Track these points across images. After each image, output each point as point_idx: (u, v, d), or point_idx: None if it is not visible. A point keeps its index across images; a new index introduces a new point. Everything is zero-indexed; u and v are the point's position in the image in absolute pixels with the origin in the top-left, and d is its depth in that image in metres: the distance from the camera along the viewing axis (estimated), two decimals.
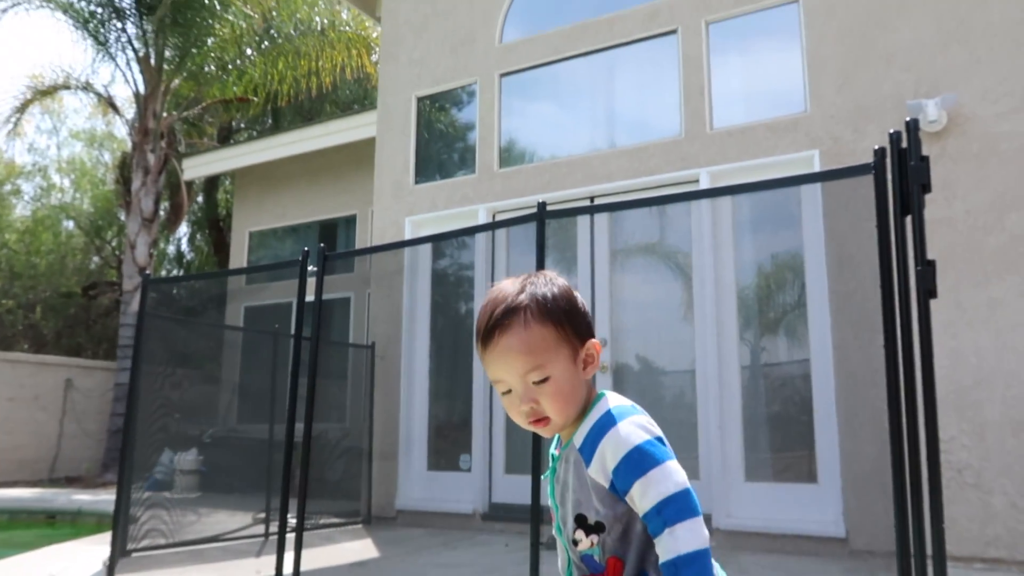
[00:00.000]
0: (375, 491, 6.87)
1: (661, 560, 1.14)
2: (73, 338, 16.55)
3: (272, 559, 3.54)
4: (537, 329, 1.26)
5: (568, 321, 1.28)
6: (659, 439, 1.24)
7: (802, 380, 5.43)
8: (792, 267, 5.65)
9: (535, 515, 3.02)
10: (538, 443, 3.18)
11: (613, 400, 1.30)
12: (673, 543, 1.13)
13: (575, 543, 1.26)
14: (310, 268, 3.86)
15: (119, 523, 4.46)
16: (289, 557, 3.48)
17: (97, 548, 5.22)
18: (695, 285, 5.93)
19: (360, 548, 5.50)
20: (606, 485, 1.22)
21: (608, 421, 1.25)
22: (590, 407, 1.29)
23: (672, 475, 1.18)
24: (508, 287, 1.32)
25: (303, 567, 3.51)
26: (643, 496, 1.17)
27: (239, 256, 11.60)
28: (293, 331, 4.82)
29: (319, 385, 3.90)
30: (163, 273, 18.23)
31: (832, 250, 5.17)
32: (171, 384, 5.58)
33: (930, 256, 2.40)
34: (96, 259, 18.29)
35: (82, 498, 8.67)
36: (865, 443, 4.79)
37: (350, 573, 4.61)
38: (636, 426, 1.23)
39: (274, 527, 5.96)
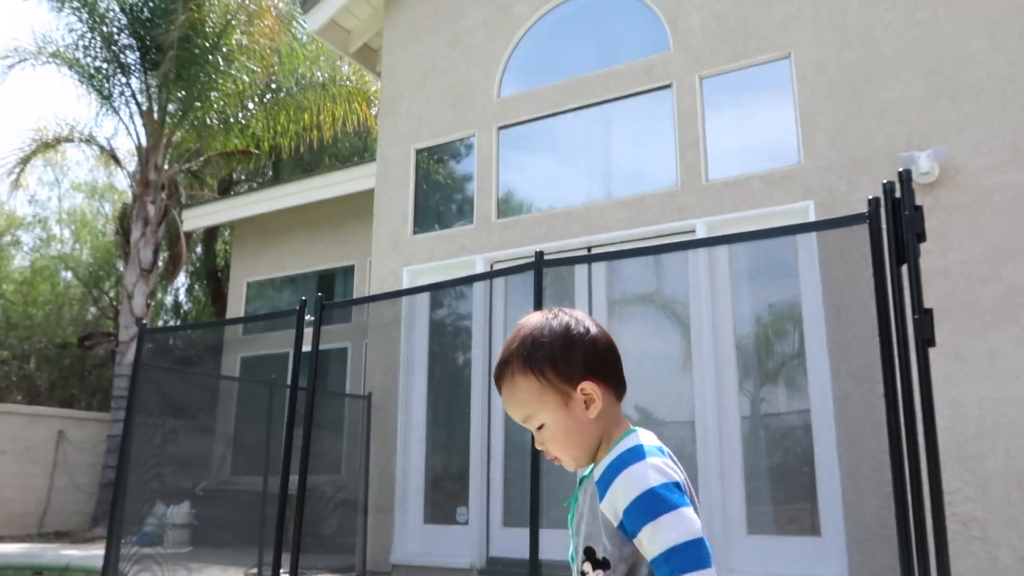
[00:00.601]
0: (370, 544, 6.73)
1: None
2: (67, 389, 16.42)
3: None
4: (521, 381, 1.29)
5: (553, 368, 1.28)
6: (676, 484, 1.19)
7: (803, 431, 5.37)
8: (790, 317, 5.65)
9: (534, 570, 2.95)
10: (536, 496, 3.13)
11: (639, 439, 1.26)
12: None
13: (583, 574, 1.24)
14: (307, 318, 3.85)
15: None
16: None
17: None
18: (693, 335, 5.92)
19: None
20: (615, 524, 1.19)
21: (627, 459, 1.22)
22: (617, 441, 1.27)
23: (683, 523, 1.15)
24: (515, 332, 1.35)
25: None
26: (652, 542, 1.14)
27: (236, 306, 11.59)
28: (289, 381, 4.79)
29: (314, 436, 3.85)
30: (160, 324, 18.19)
31: (829, 300, 5.18)
32: (165, 435, 5.52)
33: (927, 305, 2.40)
34: (93, 310, 18.27)
35: (71, 553, 8.47)
36: (868, 495, 4.72)
37: None
38: (653, 468, 1.20)
39: None
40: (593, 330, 1.32)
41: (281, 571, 3.59)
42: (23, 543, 9.62)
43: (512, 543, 6.05)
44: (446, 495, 6.86)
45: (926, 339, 2.24)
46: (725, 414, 5.55)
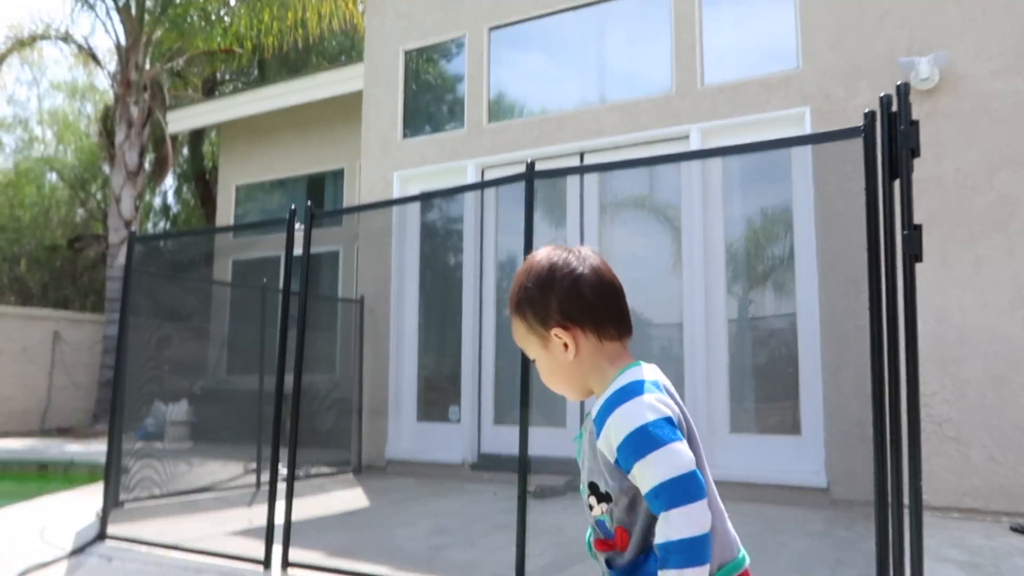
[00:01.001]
0: (365, 442, 6.93)
1: (655, 543, 1.14)
2: (60, 291, 16.43)
3: (264, 508, 3.58)
4: (514, 320, 1.35)
5: (532, 311, 1.31)
6: (667, 420, 1.18)
7: (788, 334, 5.48)
8: (782, 222, 5.66)
9: (523, 465, 3.05)
10: (527, 395, 3.21)
11: (636, 374, 1.26)
12: (667, 528, 1.13)
13: (590, 507, 1.28)
14: (297, 226, 3.82)
15: (111, 474, 4.48)
16: (281, 506, 3.52)
17: (90, 499, 5.26)
18: (684, 239, 5.94)
19: (351, 497, 5.57)
20: (612, 460, 1.21)
21: (619, 398, 1.23)
22: (614, 378, 1.27)
23: (673, 458, 1.15)
24: (520, 268, 1.38)
25: (295, 516, 3.55)
26: (643, 478, 1.16)
27: (226, 210, 11.49)
28: (281, 287, 4.80)
29: (308, 338, 3.89)
30: (149, 226, 18.05)
31: (821, 209, 5.17)
32: (160, 338, 5.56)
33: (919, 214, 2.41)
34: (81, 212, 18.07)
35: (74, 449, 8.70)
36: (848, 397, 4.86)
37: (341, 522, 4.67)
38: (645, 405, 1.19)
39: (265, 477, 6.01)
40: (579, 271, 1.30)
41: (280, 466, 3.71)
42: (26, 439, 9.85)
43: (502, 440, 6.25)
44: (438, 395, 7.02)
45: (914, 255, 2.25)
46: (713, 317, 5.64)
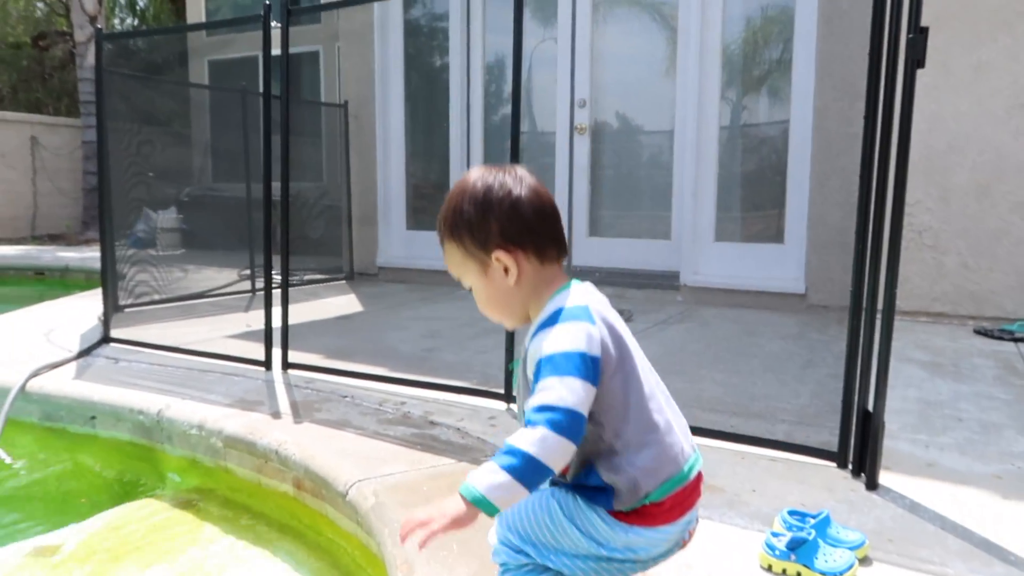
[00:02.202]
0: (356, 249, 7.04)
1: (528, 419, 1.14)
2: (30, 93, 15.82)
3: (261, 313, 3.70)
4: (447, 246, 1.30)
5: (470, 235, 1.25)
6: (593, 360, 1.15)
7: (779, 141, 5.43)
8: (781, 22, 5.40)
9: None
10: None
11: (572, 298, 1.23)
12: (527, 434, 1.12)
13: None
14: (273, 24, 3.62)
15: (108, 280, 4.57)
16: (277, 311, 3.63)
17: (89, 304, 5.40)
18: (680, 40, 5.70)
19: (345, 303, 5.75)
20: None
21: (547, 323, 1.21)
22: (547, 301, 1.25)
23: (562, 390, 1.13)
24: (452, 191, 1.31)
25: (291, 320, 3.68)
26: (534, 397, 1.15)
27: (196, 4, 10.80)
28: (261, 90, 4.62)
29: (293, 144, 3.83)
30: (115, 22, 17.04)
31: (825, 8, 4.93)
32: (140, 143, 5.45)
33: (925, 15, 2.30)
34: (41, 5, 16.97)
35: (68, 255, 8.81)
36: (833, 205, 4.91)
37: (337, 326, 4.86)
38: (567, 333, 1.17)
39: (260, 283, 6.17)
40: (517, 192, 1.25)
41: (273, 273, 3.78)
42: (19, 245, 9.93)
43: None
44: (428, 202, 7.03)
45: (916, 60, 2.17)
46: (705, 123, 5.54)
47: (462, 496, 1.13)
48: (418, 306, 5.50)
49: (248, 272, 6.41)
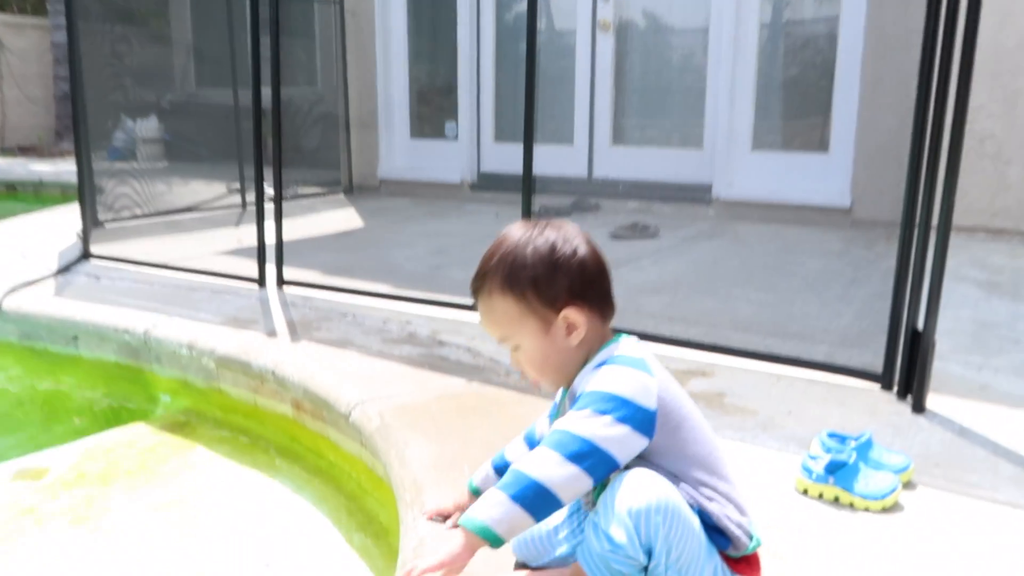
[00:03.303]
0: (355, 160, 6.99)
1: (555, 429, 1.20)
2: None
3: (253, 228, 3.69)
4: (499, 302, 1.30)
5: (535, 291, 1.28)
6: (644, 412, 1.19)
7: (827, 41, 5.27)
8: None
9: (527, 184, 3.09)
10: (531, 109, 3.16)
11: (621, 348, 1.29)
12: (549, 457, 1.16)
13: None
14: None
15: (85, 193, 4.56)
16: (270, 226, 3.63)
17: (67, 219, 5.41)
18: None
19: (343, 218, 5.74)
20: None
21: (605, 362, 1.26)
22: (599, 350, 1.30)
23: (605, 431, 1.17)
24: (497, 243, 1.33)
25: (286, 237, 3.67)
26: (567, 419, 1.20)
27: None
28: None
29: (284, 45, 3.75)
30: None
31: None
32: (115, 43, 5.36)
33: None
34: None
35: (41, 168, 8.80)
36: (886, 111, 4.79)
37: (335, 242, 4.86)
38: (630, 379, 1.21)
39: (251, 198, 6.14)
40: (581, 251, 1.30)
41: (265, 186, 3.76)
42: None
43: (504, 158, 6.29)
44: (433, 109, 6.94)
45: None
46: (743, 20, 5.39)
47: (463, 527, 1.17)
48: (424, 221, 5.49)
49: (238, 186, 6.39)
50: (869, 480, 1.73)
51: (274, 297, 3.48)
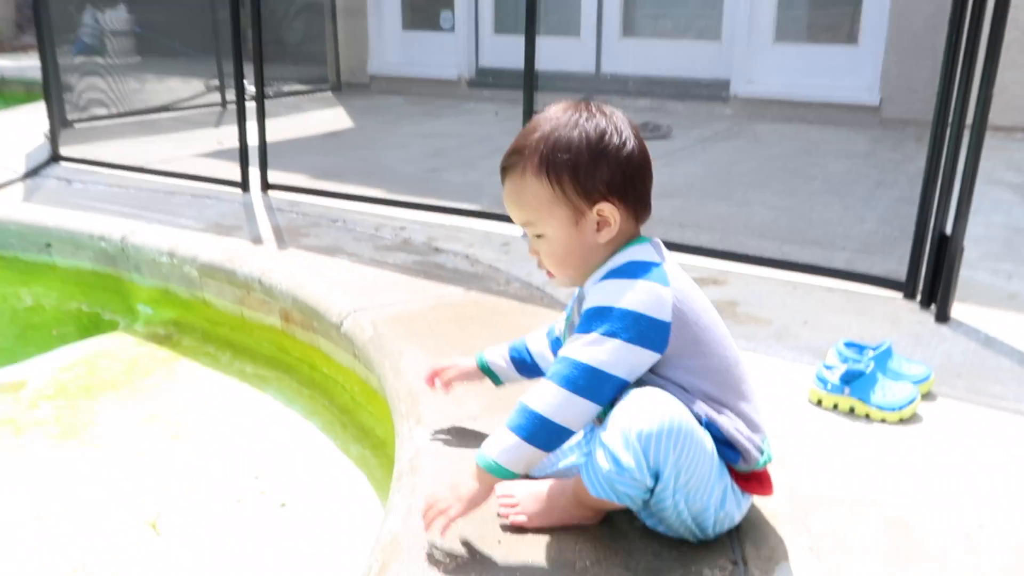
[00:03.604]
0: (343, 55, 6.86)
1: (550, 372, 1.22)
2: None
3: (234, 129, 3.65)
4: (531, 183, 1.25)
5: (573, 179, 1.23)
6: (656, 325, 1.19)
7: None
8: None
9: (529, 80, 3.04)
10: None
11: (642, 253, 1.26)
12: (546, 390, 1.19)
13: None
14: None
15: (52, 91, 4.49)
16: (252, 127, 3.58)
17: (33, 119, 5.35)
18: None
19: (332, 117, 5.67)
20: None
21: (621, 271, 1.24)
22: (619, 250, 1.27)
23: (604, 353, 1.18)
24: (540, 120, 1.27)
25: (270, 138, 3.63)
26: (569, 344, 1.22)
27: None
28: None
29: None
30: None
31: None
32: None
33: None
34: None
35: (2, 64, 8.65)
36: None
37: (323, 143, 4.81)
38: (638, 290, 1.20)
39: (231, 96, 6.05)
40: (631, 144, 1.25)
41: (246, 83, 3.70)
42: None
43: (505, 52, 6.17)
44: None
45: None
46: None
47: (477, 464, 1.22)
48: (419, 121, 5.42)
49: (217, 83, 6.29)
50: (887, 390, 1.76)
51: (259, 202, 3.46)
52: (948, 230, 2.25)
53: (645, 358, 1.20)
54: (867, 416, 1.74)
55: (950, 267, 2.23)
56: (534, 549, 1.26)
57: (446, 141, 4.75)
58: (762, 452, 1.28)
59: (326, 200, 3.42)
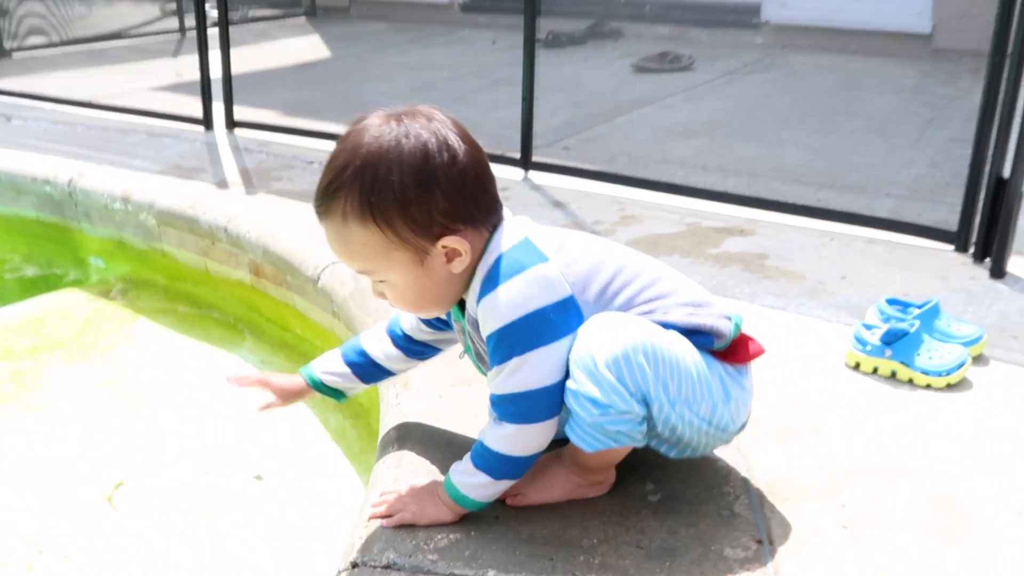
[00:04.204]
0: None
1: (484, 432, 1.26)
2: None
3: (194, 59, 3.63)
4: (357, 232, 1.17)
5: (404, 219, 1.16)
6: (561, 305, 1.20)
7: None
8: None
9: (531, 3, 3.03)
10: None
11: (506, 241, 1.23)
12: (496, 433, 1.23)
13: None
14: None
15: None
16: (215, 57, 3.57)
17: None
18: None
19: (306, 46, 5.64)
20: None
21: (494, 278, 1.20)
22: (480, 256, 1.24)
23: (526, 371, 1.19)
24: (350, 146, 1.19)
25: (236, 69, 3.62)
26: (492, 381, 1.23)
27: None
28: None
29: None
30: None
31: None
32: None
33: None
34: None
35: None
36: None
37: (296, 75, 4.79)
38: (530, 287, 1.19)
39: (191, 22, 6.01)
40: (460, 153, 1.18)
41: (207, 6, 3.68)
42: None
43: None
44: None
45: None
46: None
47: (445, 491, 1.27)
48: (407, 49, 5.39)
49: (174, 6, 6.25)
50: (933, 353, 1.77)
51: (223, 141, 3.46)
52: (1006, 174, 2.26)
53: (569, 341, 1.21)
54: (910, 381, 1.76)
55: (1008, 216, 2.24)
56: (535, 525, 1.28)
57: (436, 73, 4.74)
58: (728, 318, 1.30)
59: (300, 139, 3.42)
